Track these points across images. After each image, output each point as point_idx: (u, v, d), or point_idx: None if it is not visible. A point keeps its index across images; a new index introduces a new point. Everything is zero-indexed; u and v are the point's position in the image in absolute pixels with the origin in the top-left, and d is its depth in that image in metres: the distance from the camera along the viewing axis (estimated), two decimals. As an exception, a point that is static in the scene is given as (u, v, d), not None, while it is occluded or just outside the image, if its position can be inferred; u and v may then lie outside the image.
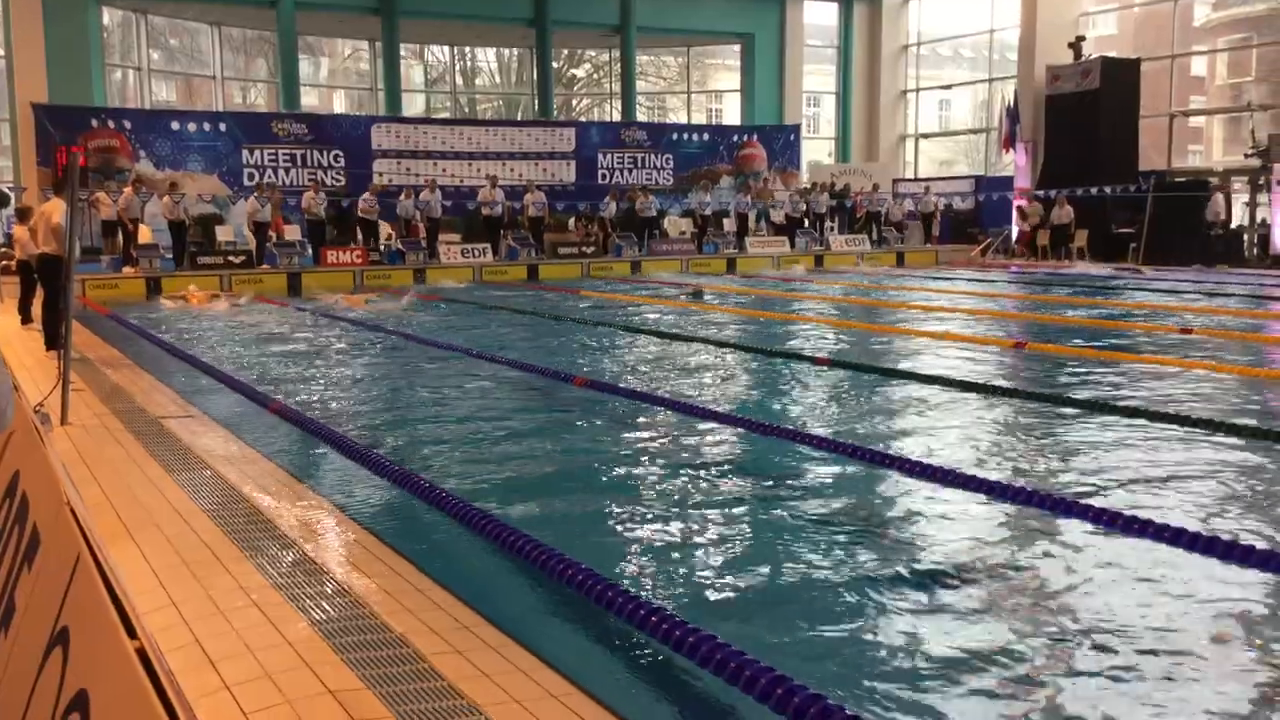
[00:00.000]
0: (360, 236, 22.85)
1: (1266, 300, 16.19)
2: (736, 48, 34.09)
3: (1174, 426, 7.04)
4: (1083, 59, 26.15)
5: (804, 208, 27.27)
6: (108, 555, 2.10)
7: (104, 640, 1.83)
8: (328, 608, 3.81)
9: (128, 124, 24.06)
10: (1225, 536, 4.64)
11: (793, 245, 26.16)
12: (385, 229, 23.91)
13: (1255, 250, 23.71)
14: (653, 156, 29.13)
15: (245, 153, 24.83)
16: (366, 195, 22.84)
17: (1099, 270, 22.33)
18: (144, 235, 21.46)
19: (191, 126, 24.75)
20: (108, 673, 1.74)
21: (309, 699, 3.07)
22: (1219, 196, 22.67)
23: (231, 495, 5.39)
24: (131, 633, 1.77)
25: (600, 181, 27.86)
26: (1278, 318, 14.10)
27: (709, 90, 37.25)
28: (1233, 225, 24.70)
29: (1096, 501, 5.22)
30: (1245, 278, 20.14)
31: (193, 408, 7.93)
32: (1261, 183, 23.55)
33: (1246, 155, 23.87)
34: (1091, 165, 24.73)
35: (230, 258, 21.29)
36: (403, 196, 23.73)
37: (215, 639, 3.52)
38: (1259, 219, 24.03)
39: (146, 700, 1.52)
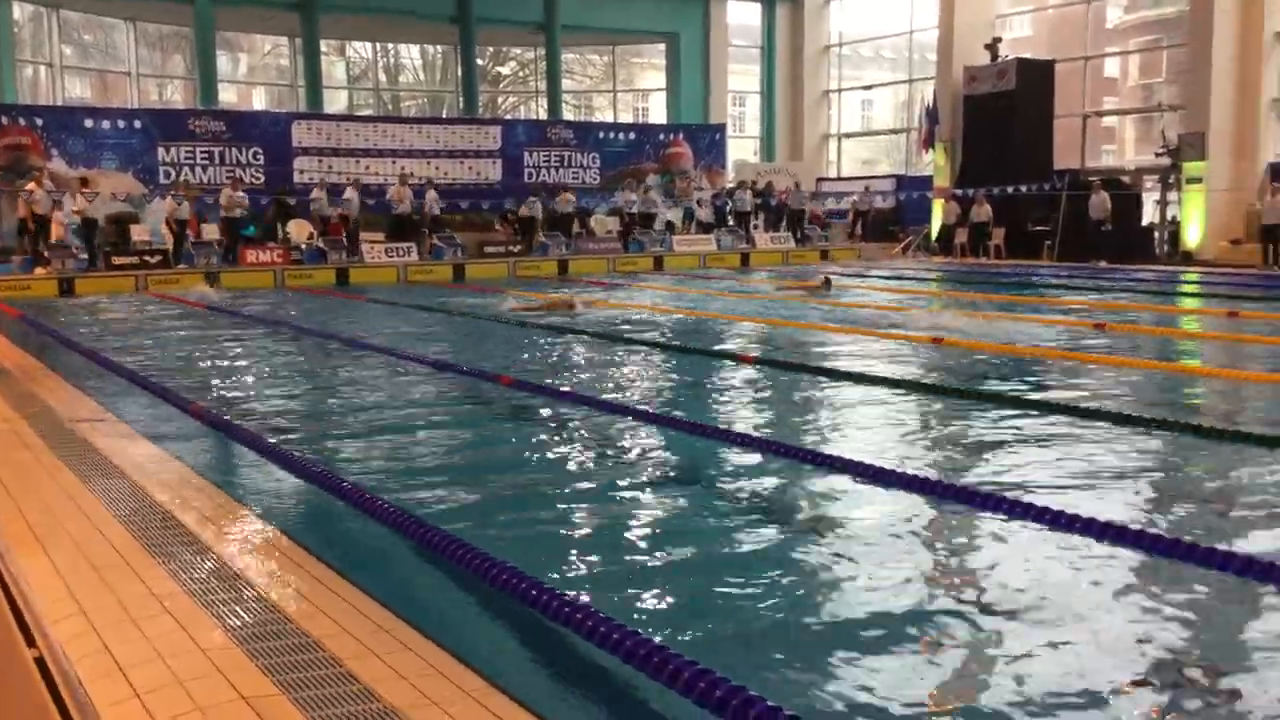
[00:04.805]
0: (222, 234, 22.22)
1: (1176, 296, 16.68)
2: (662, 47, 34.19)
3: (1082, 420, 7.21)
4: (999, 60, 26.66)
5: (727, 205, 27.61)
6: (11, 563, 2.05)
7: (1, 649, 1.79)
8: (242, 613, 3.76)
9: (39, 121, 23.46)
10: (1134, 525, 4.76)
11: (719, 244, 26.33)
12: (306, 228, 23.61)
13: (1166, 247, 24.36)
14: (579, 155, 29.11)
15: (161, 150, 24.34)
16: (226, 191, 22.29)
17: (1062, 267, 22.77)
18: (56, 234, 20.97)
19: (106, 124, 24.19)
20: (3, 681, 1.70)
21: (221, 705, 3.02)
22: (1103, 194, 23.25)
23: (145, 501, 5.28)
24: (30, 641, 1.73)
25: (527, 180, 27.77)
26: (1188, 313, 14.54)
27: (635, 89, 37.33)
28: (1144, 223, 25.36)
29: (1011, 494, 5.33)
30: (1158, 273, 20.70)
31: (107, 411, 7.75)
32: (1171, 181, 24.21)
33: (1157, 154, 24.52)
34: (1007, 164, 25.23)
35: (146, 257, 20.86)
36: (316, 190, 23.33)
37: (125, 646, 3.44)
38: (1169, 216, 24.70)
39: (43, 708, 1.50)
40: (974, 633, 3.82)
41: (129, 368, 9.89)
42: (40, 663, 1.59)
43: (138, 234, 22.66)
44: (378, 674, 3.26)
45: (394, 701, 3.08)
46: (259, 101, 33.19)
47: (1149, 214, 25.75)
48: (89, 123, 24.02)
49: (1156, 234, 25.05)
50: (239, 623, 3.67)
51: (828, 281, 17.75)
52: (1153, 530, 4.73)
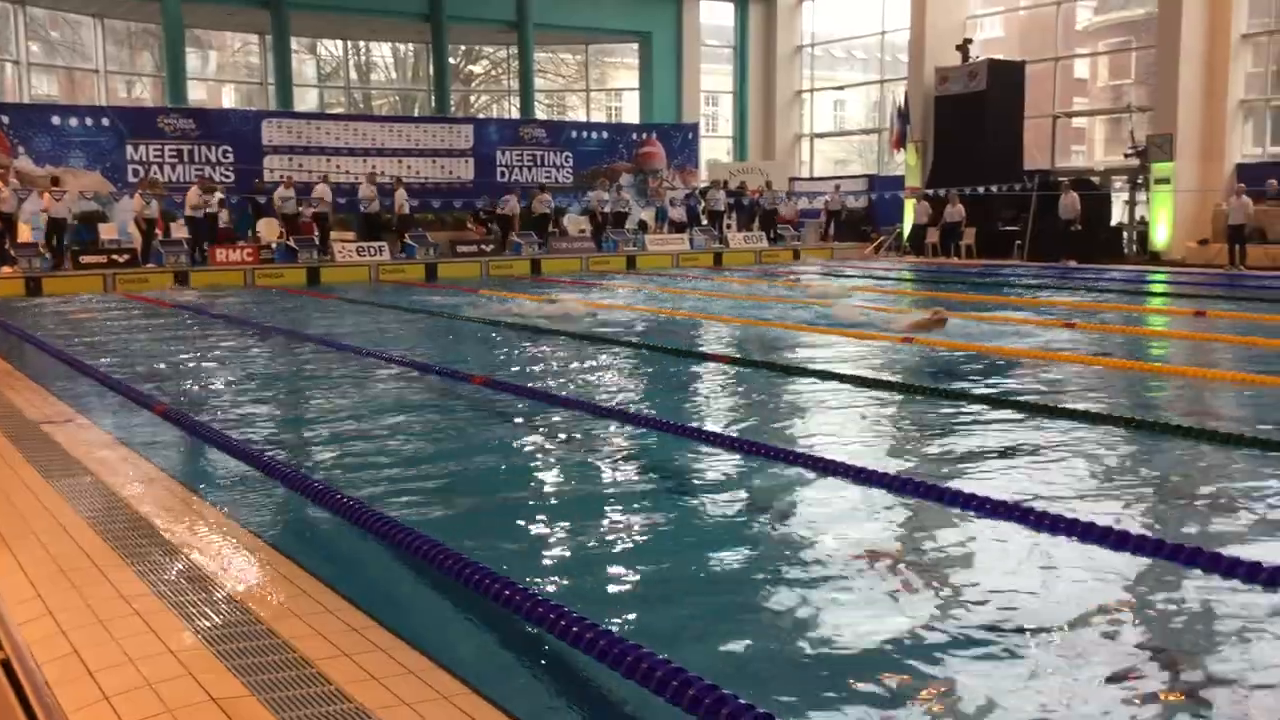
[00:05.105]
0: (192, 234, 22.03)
1: (1144, 296, 16.83)
2: (635, 46, 34.19)
3: (1054, 419, 7.26)
4: (970, 61, 26.81)
5: (700, 205, 27.68)
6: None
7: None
8: (212, 615, 3.73)
9: (6, 119, 23.16)
10: (1102, 522, 4.79)
11: (692, 244, 26.38)
12: (275, 227, 23.46)
13: (1134, 247, 24.58)
14: (552, 154, 29.04)
15: (130, 148, 24.08)
16: (194, 190, 22.07)
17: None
18: (23, 233, 20.75)
19: (73, 121, 23.91)
20: (-32, 686, 1.68)
21: (191, 708, 2.99)
22: (1073, 194, 23.43)
23: (113, 501, 5.23)
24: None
25: (500, 179, 27.69)
26: (1156, 312, 14.68)
27: (608, 89, 37.30)
28: (1112, 223, 25.59)
29: (985, 491, 5.35)
30: (1127, 273, 20.88)
31: (74, 411, 7.67)
32: (1140, 181, 24.44)
33: (1126, 155, 24.74)
34: (978, 164, 25.38)
35: (114, 256, 20.67)
36: (282, 188, 23.12)
37: (94, 649, 3.41)
38: (1138, 217, 24.92)
39: (10, 712, 1.48)
40: (961, 636, 3.82)
41: (97, 368, 9.80)
42: (6, 666, 1.56)
43: (106, 233, 22.44)
44: (349, 675, 3.24)
45: (366, 702, 3.06)
46: (228, 100, 32.94)
47: (1118, 214, 25.97)
48: (56, 120, 23.74)
49: (1125, 234, 25.27)
50: (209, 624, 3.64)
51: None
52: (1121, 528, 4.76)
